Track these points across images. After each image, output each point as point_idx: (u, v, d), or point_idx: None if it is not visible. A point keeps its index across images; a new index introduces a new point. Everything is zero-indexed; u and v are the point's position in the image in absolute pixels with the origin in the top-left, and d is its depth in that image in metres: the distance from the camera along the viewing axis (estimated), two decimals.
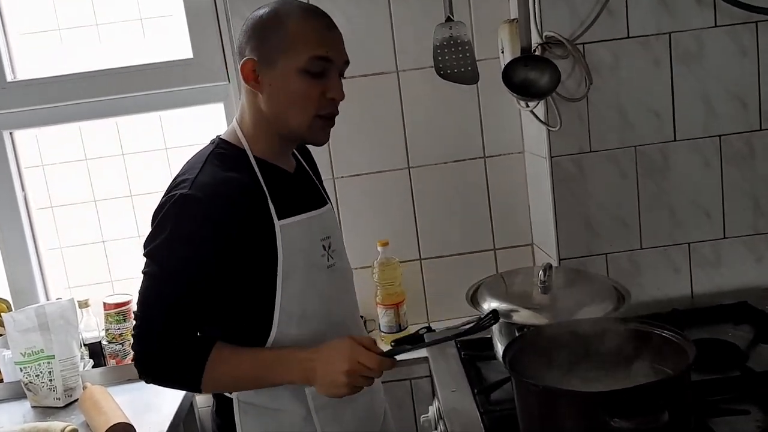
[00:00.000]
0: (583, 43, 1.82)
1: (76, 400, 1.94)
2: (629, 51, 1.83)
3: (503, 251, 2.22)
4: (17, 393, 2.02)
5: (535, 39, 1.80)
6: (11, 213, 2.21)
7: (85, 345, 2.11)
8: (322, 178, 1.62)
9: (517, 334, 1.42)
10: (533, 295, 1.57)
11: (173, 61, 2.16)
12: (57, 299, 2.14)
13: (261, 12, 1.33)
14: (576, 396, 1.16)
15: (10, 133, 2.22)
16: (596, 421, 1.09)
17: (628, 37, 1.83)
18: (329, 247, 1.42)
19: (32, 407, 1.97)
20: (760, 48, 1.84)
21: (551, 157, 1.88)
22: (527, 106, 1.95)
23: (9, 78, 2.17)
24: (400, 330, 2.11)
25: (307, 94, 1.31)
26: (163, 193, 1.31)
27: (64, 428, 1.70)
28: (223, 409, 1.40)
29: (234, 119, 1.41)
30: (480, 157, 2.17)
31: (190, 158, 1.37)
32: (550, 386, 1.21)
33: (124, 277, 2.29)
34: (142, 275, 1.29)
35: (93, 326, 2.13)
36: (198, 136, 2.06)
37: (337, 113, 1.37)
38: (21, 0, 2.20)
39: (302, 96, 1.31)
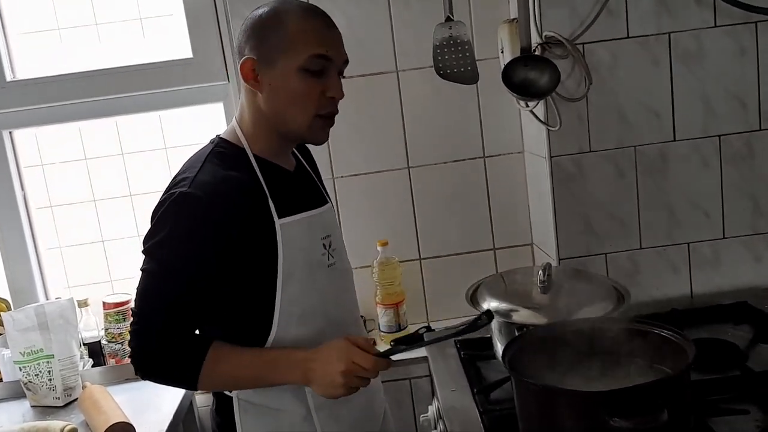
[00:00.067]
0: (583, 43, 1.82)
1: (76, 400, 1.95)
2: (629, 51, 1.83)
3: (503, 251, 2.22)
4: (17, 392, 2.02)
5: (535, 39, 1.80)
6: (11, 212, 2.21)
7: (84, 344, 2.11)
8: (322, 177, 1.62)
9: (516, 334, 1.42)
10: (533, 295, 1.57)
11: (173, 60, 2.16)
12: (56, 299, 2.14)
13: (260, 11, 1.33)
14: (575, 395, 1.16)
15: (10, 133, 2.22)
16: (596, 420, 1.09)
17: (628, 37, 1.83)
18: (329, 246, 1.42)
19: (32, 406, 1.97)
20: (760, 48, 1.84)
21: (551, 157, 1.88)
22: (527, 106, 1.95)
23: (8, 77, 2.17)
24: (399, 330, 2.11)
25: (306, 93, 1.31)
26: (162, 192, 1.31)
27: (64, 427, 1.70)
28: (222, 407, 1.40)
29: (233, 118, 1.41)
30: (480, 157, 2.17)
31: (190, 157, 1.37)
32: (549, 386, 1.21)
33: (124, 276, 2.29)
34: (140, 272, 1.29)
35: (92, 326, 2.13)
36: (197, 135, 2.06)
37: (337, 112, 1.37)
38: None
39: (302, 95, 1.31)
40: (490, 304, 1.54)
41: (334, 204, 2.11)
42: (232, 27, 2.07)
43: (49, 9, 2.20)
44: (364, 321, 2.07)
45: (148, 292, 1.28)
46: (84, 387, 1.95)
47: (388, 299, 2.11)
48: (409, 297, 2.16)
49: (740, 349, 1.58)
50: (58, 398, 1.94)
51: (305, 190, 1.45)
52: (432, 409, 1.79)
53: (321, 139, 1.38)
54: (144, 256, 1.29)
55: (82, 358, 2.06)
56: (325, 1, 1.73)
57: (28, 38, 2.22)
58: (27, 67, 2.21)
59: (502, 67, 1.79)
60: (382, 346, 1.33)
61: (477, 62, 1.78)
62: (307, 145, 1.56)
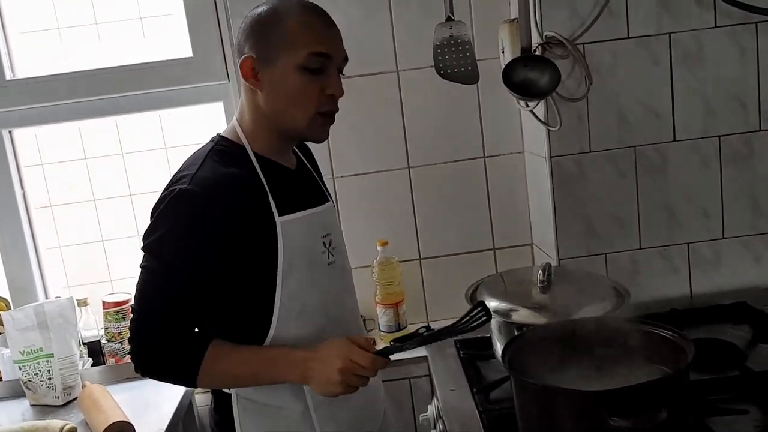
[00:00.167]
0: (584, 43, 1.82)
1: (75, 399, 1.94)
2: (629, 51, 1.83)
3: (503, 251, 2.22)
4: (16, 391, 2.02)
5: (536, 39, 1.80)
6: (10, 212, 2.21)
7: (84, 343, 2.11)
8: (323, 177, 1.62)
9: (516, 334, 1.42)
10: (532, 295, 1.58)
11: (173, 60, 2.16)
12: (56, 298, 2.14)
13: (260, 10, 1.33)
14: (575, 395, 1.16)
15: (10, 132, 2.22)
16: (595, 419, 1.09)
17: (628, 38, 1.83)
18: (330, 245, 1.42)
19: (31, 406, 1.97)
20: (760, 48, 1.84)
21: (551, 157, 1.88)
22: (527, 106, 1.95)
23: (8, 76, 2.16)
24: (399, 329, 2.11)
25: (306, 90, 1.31)
26: (162, 190, 1.31)
27: (63, 427, 1.70)
28: (221, 405, 1.40)
29: (234, 117, 1.41)
30: (480, 157, 2.17)
31: (190, 155, 1.37)
32: (549, 385, 1.21)
33: (124, 276, 2.29)
34: (140, 269, 1.29)
35: (92, 325, 2.13)
36: (197, 135, 2.06)
37: (337, 110, 1.37)
38: None
39: (301, 93, 1.31)
40: (489, 303, 1.54)
41: (334, 204, 2.11)
42: (232, 26, 2.07)
43: (49, 8, 2.20)
44: (364, 321, 2.06)
45: (147, 289, 1.28)
46: (83, 386, 1.95)
47: (388, 299, 2.11)
48: (408, 297, 2.16)
49: (739, 349, 1.58)
50: (58, 397, 1.94)
51: (306, 189, 1.45)
52: (431, 409, 1.79)
53: (321, 137, 1.38)
54: (143, 253, 1.29)
55: (81, 357, 2.06)
56: (325, 1, 1.73)
57: (28, 37, 2.22)
58: (27, 66, 2.20)
59: (503, 67, 1.79)
60: (382, 346, 1.32)
61: (477, 62, 1.78)
62: (308, 144, 1.56)
